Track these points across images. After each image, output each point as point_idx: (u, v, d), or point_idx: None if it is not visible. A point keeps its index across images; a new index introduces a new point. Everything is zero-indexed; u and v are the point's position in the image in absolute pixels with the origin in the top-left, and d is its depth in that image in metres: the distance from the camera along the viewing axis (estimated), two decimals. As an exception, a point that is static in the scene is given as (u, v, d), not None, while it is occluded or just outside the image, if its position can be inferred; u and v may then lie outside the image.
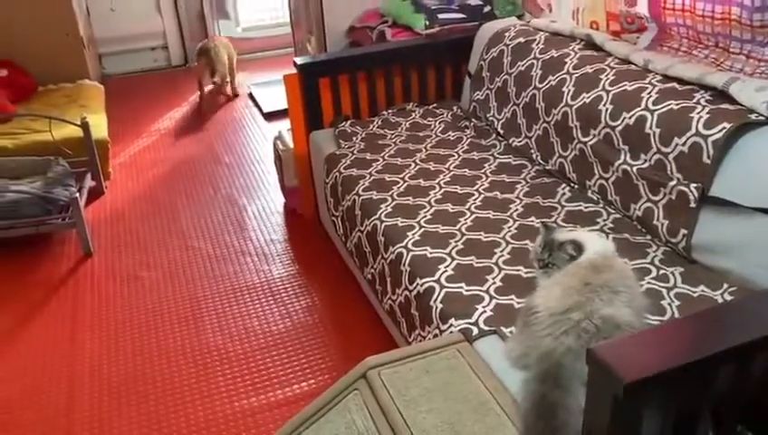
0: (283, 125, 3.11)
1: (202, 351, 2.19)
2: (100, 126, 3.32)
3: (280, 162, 2.94)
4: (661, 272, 1.61)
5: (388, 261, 1.87)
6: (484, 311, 1.54)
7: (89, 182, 3.04)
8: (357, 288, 2.35)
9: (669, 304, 1.50)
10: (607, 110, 1.88)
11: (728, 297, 1.50)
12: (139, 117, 4.22)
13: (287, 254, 2.72)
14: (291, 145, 2.82)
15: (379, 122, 2.62)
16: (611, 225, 1.83)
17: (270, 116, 4.12)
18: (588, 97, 1.97)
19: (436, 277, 1.67)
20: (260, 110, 4.25)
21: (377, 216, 1.99)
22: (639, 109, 1.78)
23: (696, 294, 1.52)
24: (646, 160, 1.74)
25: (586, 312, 1.32)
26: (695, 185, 1.59)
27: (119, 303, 2.46)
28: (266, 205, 3.11)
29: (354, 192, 2.15)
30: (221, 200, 3.18)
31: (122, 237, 2.89)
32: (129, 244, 2.84)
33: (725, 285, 1.53)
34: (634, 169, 1.77)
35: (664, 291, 1.54)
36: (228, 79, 4.44)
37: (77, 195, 2.61)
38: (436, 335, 1.59)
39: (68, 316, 2.40)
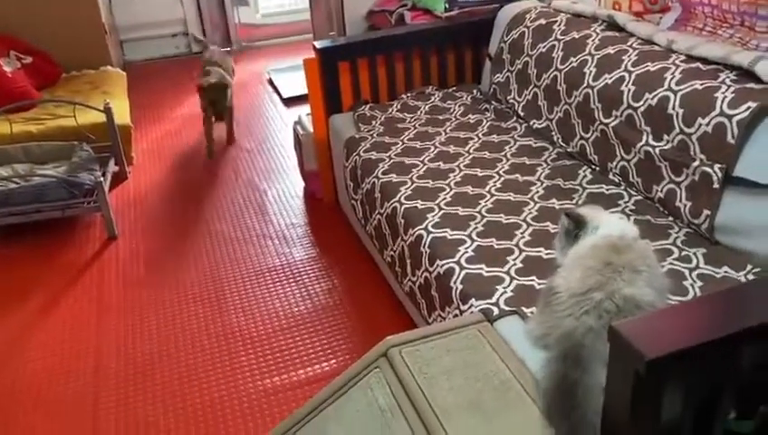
0: (303, 110, 3.13)
1: (225, 331, 2.23)
2: (122, 112, 3.36)
3: (300, 147, 2.96)
4: (683, 253, 1.60)
5: (407, 243, 1.88)
6: (505, 291, 1.54)
7: (112, 167, 3.08)
8: (376, 271, 2.37)
9: (692, 285, 1.49)
10: (629, 91, 1.86)
11: (751, 278, 1.48)
12: (160, 103, 4.26)
13: (307, 237, 2.74)
14: (310, 129, 2.83)
15: (399, 106, 2.62)
16: (633, 206, 1.82)
17: (289, 101, 4.13)
18: (610, 78, 1.95)
19: (456, 259, 1.68)
20: (279, 95, 4.27)
21: (396, 198, 2.00)
22: (662, 89, 1.76)
23: (719, 276, 1.51)
24: (668, 141, 1.73)
25: (607, 292, 1.32)
26: (718, 166, 1.58)
27: (143, 284, 2.50)
28: (286, 189, 3.14)
29: (374, 175, 2.16)
30: (242, 184, 3.20)
31: (146, 221, 2.93)
32: (152, 227, 2.88)
33: (749, 267, 1.52)
34: (656, 150, 1.76)
35: (686, 272, 1.53)
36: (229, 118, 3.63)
37: (101, 179, 2.65)
38: (456, 316, 1.60)
39: (94, 298, 2.45)
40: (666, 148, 1.73)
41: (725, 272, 1.52)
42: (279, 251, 2.65)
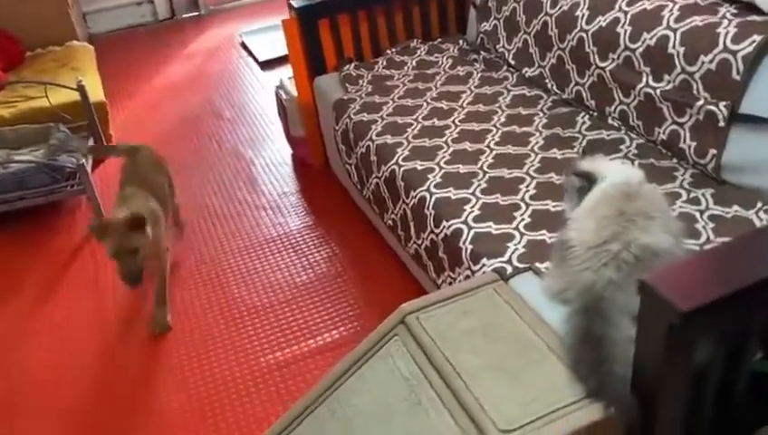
0: (282, 73, 3.04)
1: (230, 306, 2.20)
2: (95, 88, 3.23)
3: (284, 112, 2.88)
4: (692, 195, 1.58)
5: (410, 206, 1.84)
6: (516, 248, 1.52)
7: (91, 147, 2.98)
8: (376, 235, 2.34)
9: (704, 227, 1.48)
10: (625, 32, 1.81)
11: (763, 216, 1.48)
12: (132, 75, 4.11)
13: (301, 205, 2.69)
14: (294, 93, 2.75)
15: (384, 63, 2.54)
16: (635, 151, 1.79)
17: (266, 65, 4.01)
18: (604, 20, 1.89)
19: (462, 218, 1.65)
20: (255, 59, 4.14)
21: (394, 160, 1.95)
22: (661, 28, 1.71)
23: (729, 215, 1.51)
24: (670, 82, 1.69)
25: (624, 242, 1.31)
26: (724, 103, 1.55)
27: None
28: (273, 157, 3.07)
29: (367, 138, 2.11)
30: (227, 155, 3.12)
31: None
32: (140, 207, 2.81)
33: (759, 204, 1.51)
34: (657, 91, 1.72)
35: (696, 214, 1.52)
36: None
37: (83, 161, 2.56)
38: (467, 276, 1.58)
39: (90, 284, 2.40)
40: (667, 88, 1.70)
41: (735, 211, 1.51)
42: (274, 222, 2.61)
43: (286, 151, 3.07)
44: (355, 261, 2.34)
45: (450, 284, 1.69)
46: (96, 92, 3.19)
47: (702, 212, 1.53)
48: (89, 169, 2.68)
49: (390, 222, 2.03)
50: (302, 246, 2.45)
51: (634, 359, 1.11)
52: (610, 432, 1.17)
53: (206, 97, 3.74)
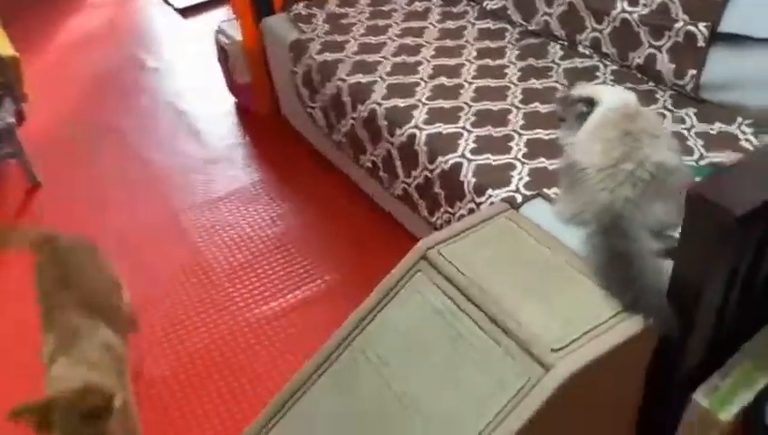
0: (208, 19, 2.83)
1: (202, 266, 2.09)
2: (1, 41, 2.89)
3: (226, 58, 2.71)
4: (676, 114, 1.65)
5: (396, 144, 1.80)
6: (521, 177, 1.53)
7: (11, 107, 2.68)
8: (344, 179, 2.28)
9: (694, 144, 1.55)
10: (598, -43, 1.82)
11: (745, 129, 1.56)
12: (36, 26, 3.72)
13: (254, 156, 2.58)
14: (238, 37, 2.59)
15: (336, 0, 2.44)
16: (612, 77, 1.83)
17: (186, 11, 3.75)
18: (573, -54, 1.89)
19: (459, 153, 1.63)
20: (171, 5, 3.85)
21: (372, 99, 1.89)
22: (636, -48, 1.74)
23: (714, 132, 1.58)
24: (646, 6, 1.73)
25: (636, 161, 1.34)
26: (704, 24, 1.61)
27: (89, 230, 2.25)
28: (214, 107, 2.89)
29: (336, 78, 2.03)
30: (162, 109, 2.92)
31: (69, 162, 2.62)
32: (78, 167, 2.59)
33: (739, 119, 1.59)
34: (634, 15, 1.75)
35: (685, 132, 1.59)
36: None
37: (11, 120, 2.30)
38: (472, 209, 1.57)
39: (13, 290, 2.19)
40: (644, 13, 1.73)
41: (719, 128, 1.59)
42: (227, 174, 2.48)
43: (228, 101, 2.91)
44: (322, 208, 2.27)
45: (448, 220, 1.68)
46: (3, 46, 2.85)
47: (688, 130, 1.59)
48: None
49: (369, 164, 1.98)
50: (263, 198, 2.35)
51: (675, 269, 1.15)
52: (650, 342, 1.22)
53: (125, 50, 3.45)
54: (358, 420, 1.26)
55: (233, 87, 2.81)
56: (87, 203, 2.39)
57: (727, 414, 1.23)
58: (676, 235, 1.34)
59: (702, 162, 1.48)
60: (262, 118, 2.75)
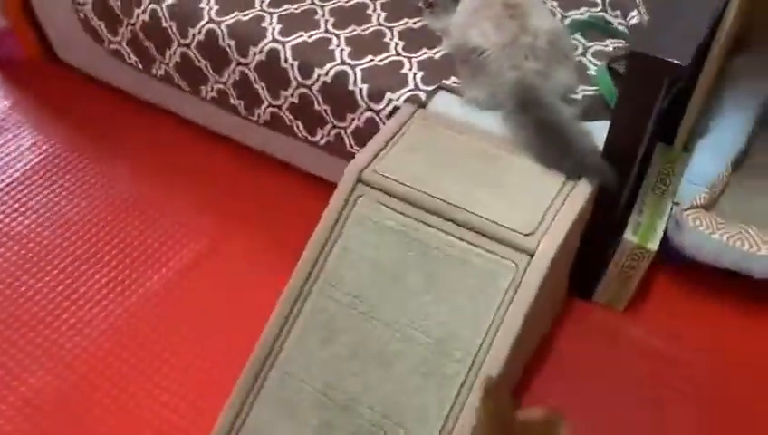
0: None
1: (57, 255, 1.71)
2: None
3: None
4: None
5: (253, 65, 1.59)
6: (415, 73, 1.47)
7: None
8: (173, 121, 1.99)
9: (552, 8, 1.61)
10: None
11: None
12: None
13: (43, 116, 2.11)
14: (-31, -29, 2.01)
15: None
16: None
17: None
18: None
19: (337, 60, 1.50)
20: None
21: (206, 19, 1.63)
22: None
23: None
24: None
25: (531, 32, 1.37)
26: None
27: None
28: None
29: (148, 2, 1.69)
30: None
31: None
32: None
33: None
34: None
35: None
36: None
37: None
38: (368, 119, 1.49)
39: None
40: None
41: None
42: (24, 146, 2.01)
43: (-28, 56, 2.30)
44: (157, 159, 1.95)
45: (338, 136, 1.57)
46: None
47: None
48: None
49: (215, 94, 1.74)
50: (78, 166, 1.94)
51: (613, 124, 1.22)
52: (593, 200, 1.31)
53: None
54: (351, 363, 1.19)
55: (-24, 36, 2.21)
56: None
57: (653, 244, 1.40)
58: (579, 96, 1.43)
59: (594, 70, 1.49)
60: (30, 66, 2.23)
